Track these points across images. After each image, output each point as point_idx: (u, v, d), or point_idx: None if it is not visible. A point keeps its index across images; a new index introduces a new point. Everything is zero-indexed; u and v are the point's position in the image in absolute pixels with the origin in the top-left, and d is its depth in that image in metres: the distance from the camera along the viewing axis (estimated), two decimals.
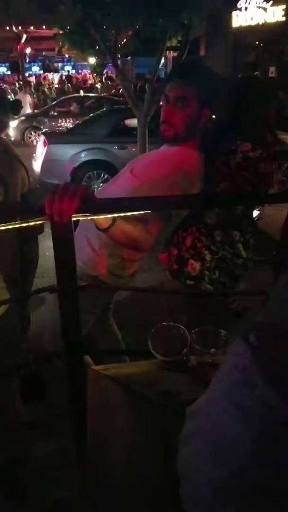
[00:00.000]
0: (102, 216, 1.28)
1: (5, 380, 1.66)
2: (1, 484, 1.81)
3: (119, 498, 0.97)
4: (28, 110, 12.71)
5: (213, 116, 1.67)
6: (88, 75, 21.58)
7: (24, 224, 1.17)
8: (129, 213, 1.30)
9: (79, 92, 14.12)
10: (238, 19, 12.52)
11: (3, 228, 1.20)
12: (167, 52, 13.02)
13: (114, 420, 1.10)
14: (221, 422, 0.63)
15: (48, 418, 1.98)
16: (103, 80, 17.33)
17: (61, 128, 9.65)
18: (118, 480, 0.99)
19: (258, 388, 0.55)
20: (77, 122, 8.26)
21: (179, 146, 1.62)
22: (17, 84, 17.60)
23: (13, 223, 1.20)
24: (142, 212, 1.42)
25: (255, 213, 3.99)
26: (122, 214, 1.29)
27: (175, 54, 13.58)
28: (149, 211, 1.44)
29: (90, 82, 19.37)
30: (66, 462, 1.83)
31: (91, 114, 7.63)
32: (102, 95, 13.67)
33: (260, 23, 11.89)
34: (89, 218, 1.25)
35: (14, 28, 16.79)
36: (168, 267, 1.96)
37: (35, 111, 12.71)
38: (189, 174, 1.55)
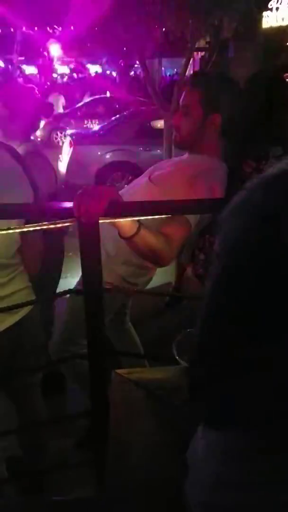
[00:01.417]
0: (128, 219, 1.27)
1: (28, 377, 1.68)
2: (15, 478, 1.84)
3: (139, 502, 0.96)
4: (60, 110, 12.98)
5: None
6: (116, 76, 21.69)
7: (52, 226, 1.18)
8: (156, 216, 1.29)
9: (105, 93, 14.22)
10: (269, 20, 12.35)
11: (31, 228, 1.21)
12: (195, 53, 12.98)
13: (136, 424, 1.09)
14: None
15: (66, 416, 2.00)
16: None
17: (87, 129, 9.73)
18: (139, 484, 0.99)
19: None
20: (103, 123, 8.31)
21: (200, 154, 1.60)
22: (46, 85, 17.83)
23: (41, 224, 1.21)
24: (164, 225, 1.41)
25: None
26: (149, 217, 1.28)
27: (202, 54, 13.51)
28: (172, 225, 1.42)
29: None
30: (83, 462, 1.84)
31: (117, 115, 7.66)
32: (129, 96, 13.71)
33: None
34: (116, 221, 1.24)
35: (42, 28, 17.05)
36: (192, 271, 1.94)
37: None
38: (210, 181, 1.51)
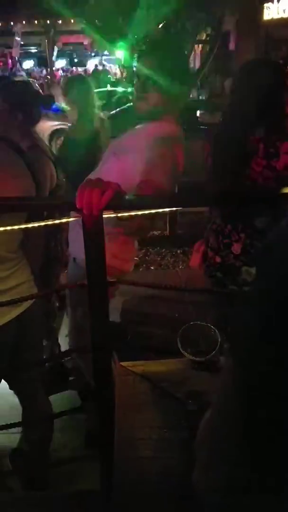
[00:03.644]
0: (133, 213, 1.27)
1: (31, 372, 1.69)
2: (20, 472, 1.85)
3: (145, 493, 0.97)
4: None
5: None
6: (116, 69, 21.57)
7: (57, 221, 1.17)
8: (160, 210, 1.28)
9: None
10: (270, 12, 12.24)
11: (36, 225, 1.21)
12: (195, 46, 12.89)
13: (141, 417, 1.09)
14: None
15: (70, 410, 2.00)
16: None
17: None
18: (144, 475, 0.99)
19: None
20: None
21: (158, 122, 1.60)
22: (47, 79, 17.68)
23: (48, 221, 1.20)
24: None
25: None
26: (153, 211, 1.28)
27: (201, 47, 13.41)
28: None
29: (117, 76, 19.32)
30: (89, 455, 1.85)
31: (118, 108, 7.61)
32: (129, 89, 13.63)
33: None
34: (120, 215, 1.24)
35: (42, 21, 16.93)
36: (205, 272, 1.89)
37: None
38: (173, 147, 1.53)
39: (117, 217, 1.30)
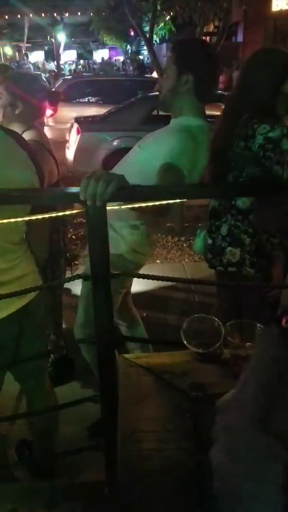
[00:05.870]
0: (136, 205, 1.26)
1: (36, 363, 1.69)
2: (25, 463, 1.86)
3: (149, 484, 0.97)
4: None
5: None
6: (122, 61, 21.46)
7: (60, 214, 1.17)
8: (164, 202, 1.27)
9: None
10: (278, 3, 12.08)
11: (40, 217, 1.21)
12: (203, 37, 12.75)
13: (145, 408, 1.09)
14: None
15: (76, 401, 2.01)
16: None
17: (95, 115, 9.64)
18: (149, 466, 1.00)
19: None
20: (111, 109, 8.22)
21: (179, 116, 1.71)
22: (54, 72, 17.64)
23: (51, 212, 1.19)
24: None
25: None
26: (157, 203, 1.27)
27: (209, 38, 13.25)
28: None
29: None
30: (93, 446, 1.86)
31: (125, 101, 7.56)
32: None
33: None
34: (124, 207, 1.23)
35: (49, 14, 16.89)
36: (204, 256, 1.97)
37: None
38: (192, 134, 1.62)
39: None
